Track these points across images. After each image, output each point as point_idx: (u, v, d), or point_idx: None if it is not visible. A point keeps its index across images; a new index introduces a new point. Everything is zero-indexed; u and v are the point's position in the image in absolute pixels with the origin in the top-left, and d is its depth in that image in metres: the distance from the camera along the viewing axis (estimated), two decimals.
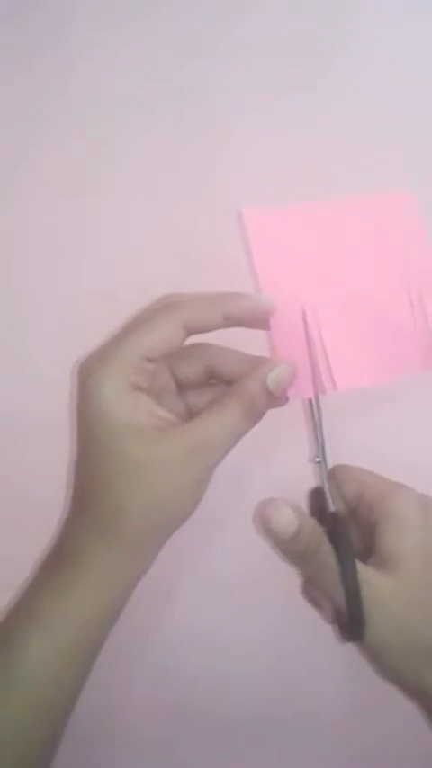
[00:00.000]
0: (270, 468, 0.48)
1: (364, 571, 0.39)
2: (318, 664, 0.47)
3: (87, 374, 0.37)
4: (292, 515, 0.38)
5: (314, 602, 0.43)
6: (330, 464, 0.42)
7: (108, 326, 0.40)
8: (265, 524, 0.38)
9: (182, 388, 0.41)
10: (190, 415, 0.41)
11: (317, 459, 0.41)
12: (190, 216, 0.48)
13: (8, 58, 0.49)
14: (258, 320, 0.39)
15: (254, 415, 0.38)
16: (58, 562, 0.38)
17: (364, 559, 0.40)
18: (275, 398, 0.38)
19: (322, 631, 0.42)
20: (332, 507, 0.41)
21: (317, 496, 0.43)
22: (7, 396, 0.48)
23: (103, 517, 0.37)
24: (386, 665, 0.40)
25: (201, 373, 0.41)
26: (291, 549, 0.39)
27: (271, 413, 0.39)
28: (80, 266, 0.49)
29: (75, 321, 0.48)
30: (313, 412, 0.41)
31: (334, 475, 0.43)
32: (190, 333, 0.38)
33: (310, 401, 0.41)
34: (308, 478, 0.44)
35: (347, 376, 0.40)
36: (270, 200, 0.44)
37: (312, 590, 0.43)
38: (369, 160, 0.48)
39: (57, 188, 0.49)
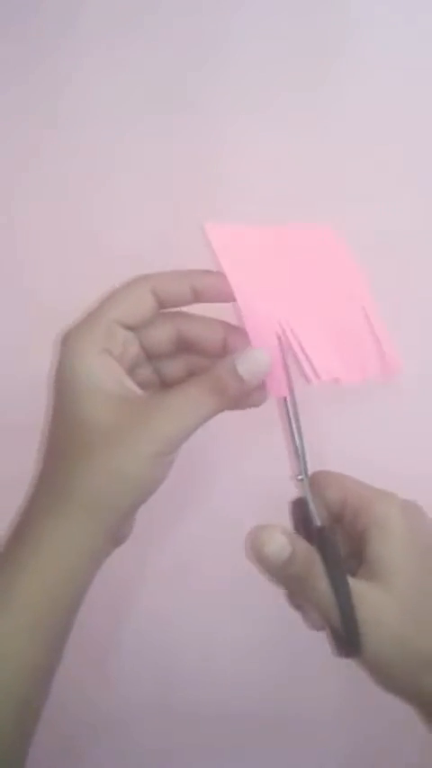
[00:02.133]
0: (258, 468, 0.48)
1: (355, 585, 0.38)
2: (317, 664, 0.48)
3: (62, 343, 0.38)
4: (283, 540, 0.37)
5: (299, 608, 0.43)
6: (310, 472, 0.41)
7: None
8: (256, 551, 0.38)
9: (153, 357, 0.41)
10: (163, 387, 0.42)
11: (299, 477, 0.41)
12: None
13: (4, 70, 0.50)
14: (224, 296, 0.40)
15: (222, 398, 0.38)
16: (14, 535, 0.38)
17: (353, 567, 0.40)
18: (245, 385, 0.38)
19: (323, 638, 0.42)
20: (318, 522, 0.40)
21: (300, 509, 0.42)
22: None
23: (57, 483, 0.37)
24: (383, 677, 0.40)
25: (171, 341, 0.41)
26: (284, 573, 0.38)
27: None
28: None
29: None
30: (291, 425, 0.40)
31: (315, 481, 0.43)
32: (161, 304, 0.39)
33: (286, 410, 0.40)
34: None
35: (327, 367, 0.41)
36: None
37: (296, 598, 0.42)
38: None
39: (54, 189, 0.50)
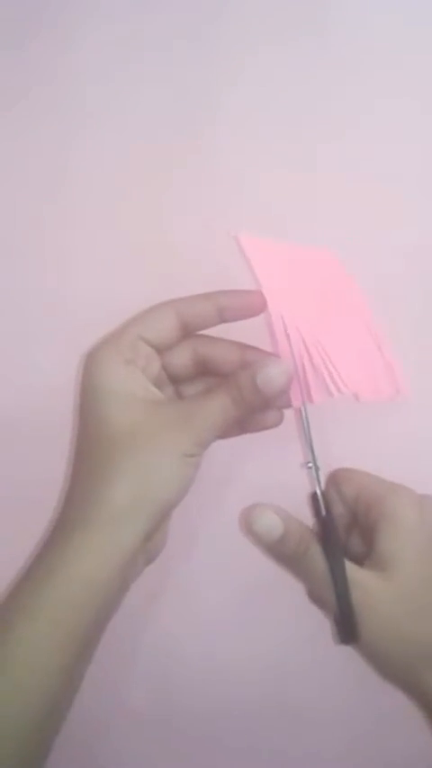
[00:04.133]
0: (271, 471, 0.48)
1: (357, 573, 0.39)
2: (317, 663, 0.48)
3: (88, 356, 0.39)
4: (275, 519, 0.39)
5: (320, 604, 0.43)
6: (322, 468, 0.42)
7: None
8: (248, 528, 0.39)
9: (174, 380, 0.42)
10: None
11: (308, 465, 0.42)
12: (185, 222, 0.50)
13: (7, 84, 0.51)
14: (249, 312, 0.41)
15: (243, 406, 0.39)
16: (45, 545, 0.38)
17: (363, 561, 0.40)
18: (265, 396, 0.39)
19: (321, 632, 0.42)
20: (323, 511, 0.41)
21: (314, 501, 0.43)
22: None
23: (88, 494, 0.36)
24: (383, 666, 0.40)
25: (191, 363, 0.42)
26: (278, 552, 0.40)
27: None
28: (77, 273, 0.51)
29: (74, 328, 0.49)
30: (302, 416, 0.41)
31: (334, 478, 0.44)
32: (186, 326, 0.40)
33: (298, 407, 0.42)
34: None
35: (350, 380, 0.42)
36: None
37: (316, 594, 0.43)
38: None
39: (54, 192, 0.51)
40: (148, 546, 0.38)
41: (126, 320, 0.40)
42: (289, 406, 0.42)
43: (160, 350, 0.41)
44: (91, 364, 0.39)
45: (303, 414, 0.41)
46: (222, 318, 0.41)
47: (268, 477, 0.47)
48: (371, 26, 0.50)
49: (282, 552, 0.39)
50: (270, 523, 0.39)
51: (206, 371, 0.42)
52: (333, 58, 0.50)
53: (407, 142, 0.50)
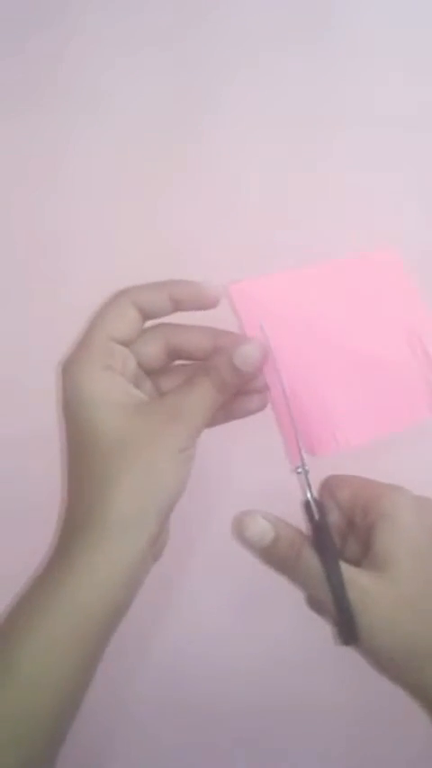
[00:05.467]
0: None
1: (353, 574, 0.39)
2: (318, 664, 0.48)
3: (65, 369, 0.39)
4: (265, 524, 0.39)
5: (319, 610, 0.44)
6: (313, 474, 0.42)
7: None
8: (239, 535, 0.39)
9: (151, 373, 0.42)
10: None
11: (298, 470, 0.42)
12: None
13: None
14: (205, 305, 0.41)
15: (225, 389, 0.39)
16: (51, 557, 0.38)
17: (359, 565, 0.40)
18: (242, 375, 0.39)
19: (321, 631, 0.43)
20: (316, 516, 0.42)
21: (306, 506, 0.44)
22: None
23: (89, 504, 0.37)
24: (384, 664, 0.40)
25: (163, 353, 0.42)
26: (272, 557, 0.40)
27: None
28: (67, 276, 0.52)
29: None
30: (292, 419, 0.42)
31: (328, 484, 0.44)
32: (145, 315, 0.40)
33: (286, 402, 0.42)
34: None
35: (353, 431, 0.42)
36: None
37: (314, 599, 0.43)
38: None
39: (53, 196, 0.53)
40: (155, 547, 0.39)
41: (89, 321, 0.40)
42: (264, 405, 0.42)
43: (130, 343, 0.41)
44: (70, 377, 0.39)
45: (301, 465, 0.42)
46: (177, 309, 0.41)
47: (262, 483, 0.48)
48: (371, 25, 0.52)
49: (275, 556, 0.40)
50: (261, 529, 0.39)
51: (177, 357, 0.43)
52: (333, 56, 0.52)
53: (407, 142, 0.51)
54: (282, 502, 0.42)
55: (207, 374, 0.39)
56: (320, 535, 0.41)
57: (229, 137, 0.52)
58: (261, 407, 0.43)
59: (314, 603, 0.44)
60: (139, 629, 0.48)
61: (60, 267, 0.52)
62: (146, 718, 0.49)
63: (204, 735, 0.48)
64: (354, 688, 0.47)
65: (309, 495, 0.42)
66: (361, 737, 0.47)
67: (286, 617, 0.48)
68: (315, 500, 0.42)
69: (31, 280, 0.53)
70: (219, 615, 0.49)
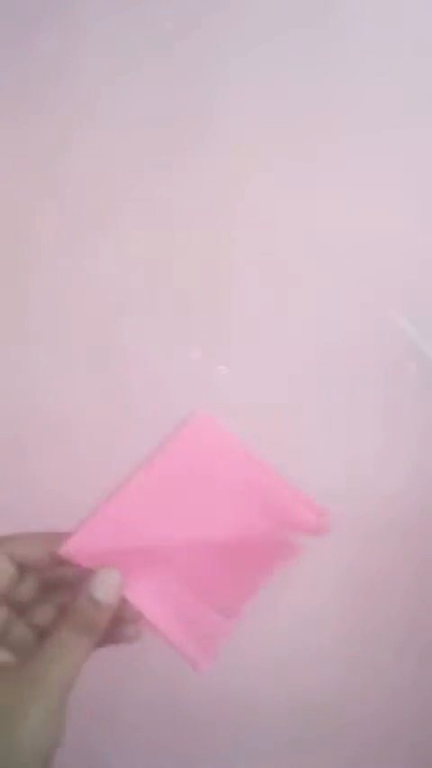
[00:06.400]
0: None
1: None
2: (319, 664, 0.49)
3: None
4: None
5: None
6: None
7: None
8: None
9: (26, 611, 0.39)
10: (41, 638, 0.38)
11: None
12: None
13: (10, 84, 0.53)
14: (86, 561, 0.38)
15: (93, 632, 0.36)
16: None
17: None
18: (107, 609, 0.36)
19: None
20: None
21: None
22: None
23: None
24: None
25: (36, 588, 0.39)
26: None
27: None
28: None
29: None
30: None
31: None
32: (22, 569, 0.38)
33: None
34: None
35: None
36: None
37: None
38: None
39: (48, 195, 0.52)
40: None
41: None
42: (140, 635, 0.39)
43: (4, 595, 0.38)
44: None
45: None
46: (57, 563, 0.38)
47: None
48: (372, 24, 0.51)
49: None
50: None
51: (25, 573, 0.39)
52: (333, 56, 0.51)
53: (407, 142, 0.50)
54: None
55: (71, 615, 0.36)
56: None
57: (228, 134, 0.52)
58: (137, 636, 0.39)
59: None
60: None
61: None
62: (146, 719, 0.49)
63: (204, 735, 0.49)
64: (353, 688, 0.48)
65: None
66: (361, 737, 0.48)
67: (286, 617, 0.48)
68: None
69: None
70: None
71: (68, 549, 0.37)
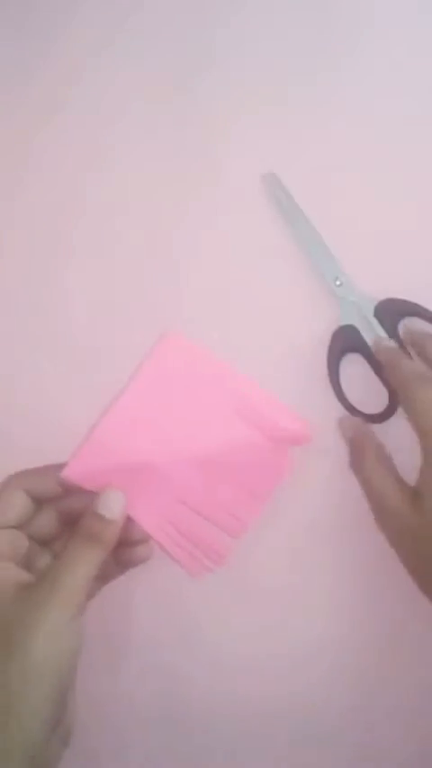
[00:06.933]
0: None
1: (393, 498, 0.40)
2: (318, 664, 0.48)
3: None
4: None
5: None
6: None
7: None
8: None
9: (49, 543, 0.42)
10: None
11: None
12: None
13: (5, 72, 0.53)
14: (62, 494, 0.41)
15: (100, 545, 0.38)
16: None
17: None
18: (113, 524, 0.39)
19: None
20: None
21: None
22: None
23: None
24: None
25: (55, 522, 0.41)
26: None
27: None
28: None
29: None
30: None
31: None
32: (35, 498, 0.40)
33: None
34: None
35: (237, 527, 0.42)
36: None
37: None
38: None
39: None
40: (60, 730, 0.37)
41: None
42: (150, 554, 0.42)
43: (23, 527, 0.40)
44: None
45: None
46: (68, 492, 0.41)
47: None
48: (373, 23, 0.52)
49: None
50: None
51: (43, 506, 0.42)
52: (334, 54, 0.51)
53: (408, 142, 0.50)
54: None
55: (79, 531, 0.39)
56: None
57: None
58: (148, 556, 0.42)
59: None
60: (143, 630, 0.49)
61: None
62: (145, 718, 0.49)
63: (204, 735, 0.49)
64: (354, 688, 0.47)
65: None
66: (361, 737, 0.47)
67: (287, 617, 0.48)
68: None
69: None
70: (219, 614, 0.49)
71: (68, 473, 0.39)
